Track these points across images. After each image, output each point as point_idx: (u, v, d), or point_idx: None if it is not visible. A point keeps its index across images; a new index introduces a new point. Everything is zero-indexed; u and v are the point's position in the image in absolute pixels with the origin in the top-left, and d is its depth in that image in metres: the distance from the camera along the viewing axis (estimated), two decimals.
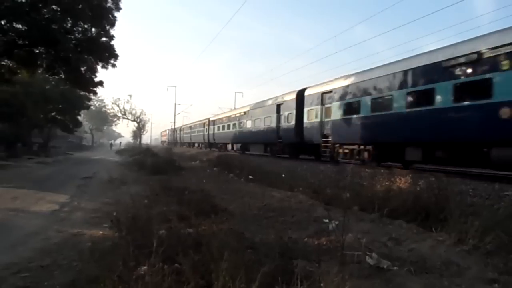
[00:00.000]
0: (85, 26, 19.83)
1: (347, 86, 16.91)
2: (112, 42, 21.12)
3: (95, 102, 67.10)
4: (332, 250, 4.40)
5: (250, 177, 13.58)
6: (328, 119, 18.30)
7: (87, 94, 34.01)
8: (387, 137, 14.35)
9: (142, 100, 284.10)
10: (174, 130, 66.35)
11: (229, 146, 38.16)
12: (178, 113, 64.53)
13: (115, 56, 20.98)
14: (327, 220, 6.04)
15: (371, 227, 5.75)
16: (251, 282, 2.62)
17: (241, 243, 4.08)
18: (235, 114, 34.66)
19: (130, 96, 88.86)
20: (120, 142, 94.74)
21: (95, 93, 26.13)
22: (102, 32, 20.38)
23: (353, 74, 17.21)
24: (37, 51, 20.13)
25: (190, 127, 59.96)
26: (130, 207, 7.14)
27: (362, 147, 15.91)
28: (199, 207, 7.10)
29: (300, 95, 21.56)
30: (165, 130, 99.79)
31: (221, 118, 40.11)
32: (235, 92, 62.24)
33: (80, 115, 45.25)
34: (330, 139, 18.10)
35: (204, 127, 49.39)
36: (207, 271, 3.08)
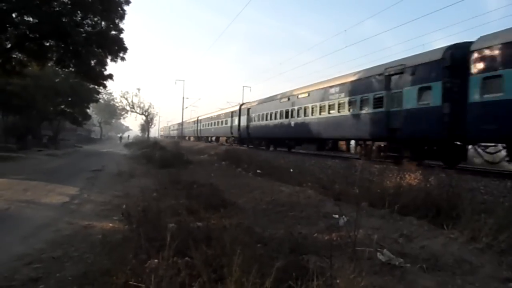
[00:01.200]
0: (95, 19, 19.83)
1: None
2: (121, 35, 21.13)
3: (104, 95, 67.27)
4: (342, 246, 4.37)
5: (258, 171, 13.58)
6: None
7: (96, 87, 34.21)
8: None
9: (150, 94, 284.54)
10: (181, 124, 65.16)
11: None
12: (186, 107, 63.84)
13: (124, 49, 20.99)
14: (336, 216, 6.01)
15: (382, 223, 5.70)
16: (265, 277, 2.61)
17: (251, 238, 4.07)
18: None
19: (139, 89, 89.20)
20: (128, 136, 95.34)
21: (104, 86, 26.29)
22: (111, 26, 20.36)
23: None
24: (48, 44, 20.26)
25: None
26: (139, 200, 7.20)
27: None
28: (208, 201, 7.13)
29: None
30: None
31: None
32: (243, 86, 61.95)
33: (89, 108, 45.55)
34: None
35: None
36: (219, 265, 3.08)
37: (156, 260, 3.09)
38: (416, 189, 7.26)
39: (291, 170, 12.95)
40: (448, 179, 7.24)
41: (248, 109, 31.75)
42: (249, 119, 31.21)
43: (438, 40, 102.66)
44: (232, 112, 36.82)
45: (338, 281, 2.76)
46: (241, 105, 35.17)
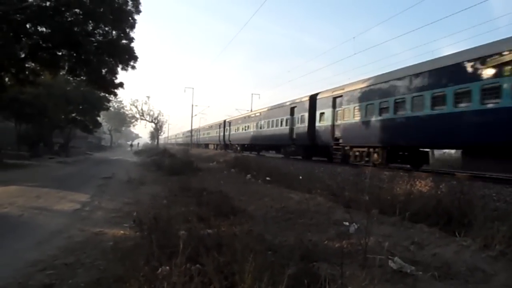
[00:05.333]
0: (106, 28, 20.18)
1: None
2: (132, 44, 21.44)
3: (114, 103, 68.22)
4: (353, 253, 4.36)
5: (267, 178, 13.57)
6: None
7: (106, 95, 34.58)
8: None
9: (160, 101, 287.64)
10: (191, 131, 64.32)
11: None
12: (195, 115, 63.79)
13: (135, 58, 21.28)
14: (347, 223, 5.99)
15: (392, 231, 5.67)
16: (276, 284, 2.62)
17: (262, 245, 4.08)
18: None
19: (148, 97, 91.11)
20: (138, 143, 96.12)
21: (115, 95, 26.54)
22: (122, 35, 20.69)
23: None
24: (60, 53, 20.65)
25: None
26: (150, 207, 7.26)
27: None
28: (218, 208, 7.15)
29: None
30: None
31: None
32: (252, 94, 62.07)
33: (99, 116, 46.02)
34: None
35: None
36: (230, 272, 3.10)
37: (168, 267, 3.12)
38: (426, 196, 7.21)
39: (300, 177, 12.91)
40: (459, 186, 7.17)
41: (335, 99, 19.80)
42: (336, 116, 19.53)
43: (446, 46, 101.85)
44: (292, 109, 24.86)
45: (350, 287, 2.76)
46: (313, 95, 22.42)
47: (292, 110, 24.90)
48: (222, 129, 46.25)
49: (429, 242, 5.00)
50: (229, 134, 42.55)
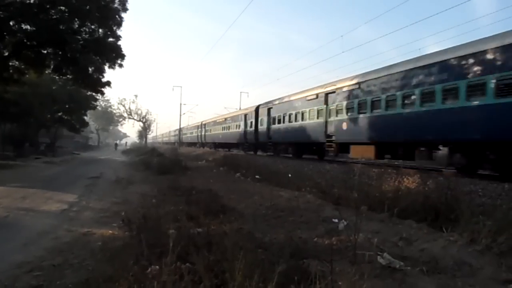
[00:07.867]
0: (92, 26, 19.98)
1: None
2: (119, 43, 21.27)
3: (101, 102, 67.44)
4: (342, 250, 4.38)
5: (257, 176, 13.57)
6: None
7: (93, 94, 34.18)
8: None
9: (148, 100, 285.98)
10: (180, 130, 64.67)
11: None
12: (184, 113, 63.47)
13: (122, 57, 21.10)
14: (336, 220, 6.03)
15: (381, 227, 5.72)
16: (267, 281, 2.63)
17: (252, 243, 4.08)
18: None
19: (136, 96, 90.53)
20: (126, 142, 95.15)
21: (102, 93, 26.28)
22: (109, 33, 20.49)
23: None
24: (45, 51, 20.35)
25: None
26: (139, 207, 7.21)
27: None
28: (207, 207, 7.12)
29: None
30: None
31: None
32: (241, 92, 62.23)
33: (86, 115, 45.50)
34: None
35: None
36: (221, 270, 3.09)
37: (157, 267, 3.10)
38: (414, 193, 7.28)
39: (290, 175, 12.94)
40: (446, 182, 7.27)
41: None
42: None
43: (432, 45, 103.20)
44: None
45: (340, 283, 2.78)
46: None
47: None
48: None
49: (417, 237, 5.06)
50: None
